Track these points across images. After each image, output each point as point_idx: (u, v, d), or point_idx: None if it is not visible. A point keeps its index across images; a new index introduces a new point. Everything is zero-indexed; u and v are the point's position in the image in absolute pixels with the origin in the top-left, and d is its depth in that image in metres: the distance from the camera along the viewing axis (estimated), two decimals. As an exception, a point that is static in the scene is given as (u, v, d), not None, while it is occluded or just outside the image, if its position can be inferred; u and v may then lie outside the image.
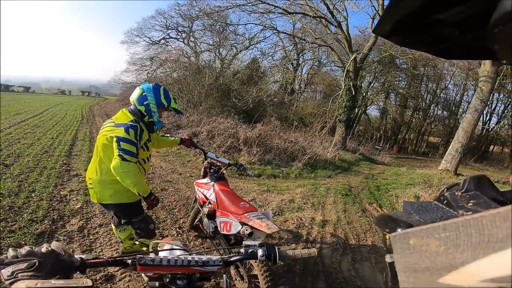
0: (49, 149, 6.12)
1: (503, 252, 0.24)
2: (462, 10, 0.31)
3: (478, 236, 0.26)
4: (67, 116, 12.96)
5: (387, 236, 0.40)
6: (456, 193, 0.39)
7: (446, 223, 0.30)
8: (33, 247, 0.72)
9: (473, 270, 0.27)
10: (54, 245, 0.75)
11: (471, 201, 0.36)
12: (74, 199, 3.70)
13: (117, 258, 0.91)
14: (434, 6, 0.32)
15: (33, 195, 3.58)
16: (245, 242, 1.10)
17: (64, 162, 5.29)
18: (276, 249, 1.09)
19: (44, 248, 0.72)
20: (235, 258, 1.07)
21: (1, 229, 2.70)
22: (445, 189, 0.42)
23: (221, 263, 1.02)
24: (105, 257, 0.87)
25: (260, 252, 1.04)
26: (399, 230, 0.38)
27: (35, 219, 2.99)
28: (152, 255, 0.97)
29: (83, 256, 0.82)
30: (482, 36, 0.32)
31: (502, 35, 0.29)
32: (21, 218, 2.94)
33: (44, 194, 3.66)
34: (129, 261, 0.91)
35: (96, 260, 0.85)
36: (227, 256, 1.09)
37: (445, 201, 0.39)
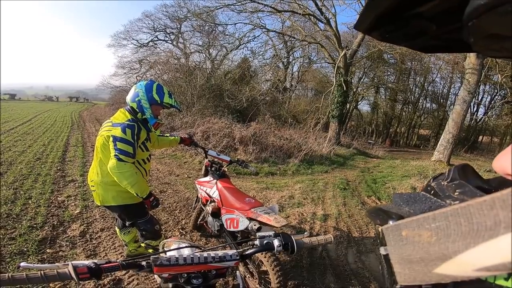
0: (42, 155, 5.99)
1: (494, 240, 0.25)
2: (439, 4, 0.31)
3: (467, 225, 0.27)
4: (57, 123, 12.68)
5: (379, 229, 0.40)
6: (442, 183, 0.39)
7: (435, 213, 0.30)
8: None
9: (466, 259, 0.27)
10: None
11: (457, 190, 0.36)
12: (73, 204, 3.63)
13: (131, 261, 0.86)
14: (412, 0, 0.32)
15: (30, 202, 3.50)
16: (259, 234, 1.06)
17: (59, 168, 5.18)
18: (293, 237, 1.04)
19: None
20: (251, 250, 1.03)
21: (1, 236, 2.63)
22: (432, 179, 0.41)
23: (238, 257, 0.98)
24: (118, 261, 0.82)
25: (276, 242, 1.00)
26: (390, 222, 0.38)
27: (35, 225, 2.93)
28: (164, 255, 0.93)
29: (96, 261, 0.77)
30: (458, 30, 0.33)
31: (476, 28, 0.29)
32: (20, 225, 2.87)
33: (41, 200, 3.57)
34: (144, 263, 0.87)
35: (111, 264, 0.80)
36: (242, 249, 1.04)
37: (432, 191, 0.39)
